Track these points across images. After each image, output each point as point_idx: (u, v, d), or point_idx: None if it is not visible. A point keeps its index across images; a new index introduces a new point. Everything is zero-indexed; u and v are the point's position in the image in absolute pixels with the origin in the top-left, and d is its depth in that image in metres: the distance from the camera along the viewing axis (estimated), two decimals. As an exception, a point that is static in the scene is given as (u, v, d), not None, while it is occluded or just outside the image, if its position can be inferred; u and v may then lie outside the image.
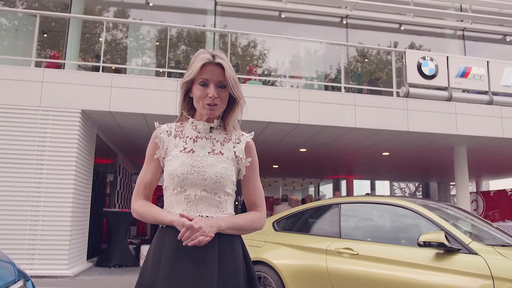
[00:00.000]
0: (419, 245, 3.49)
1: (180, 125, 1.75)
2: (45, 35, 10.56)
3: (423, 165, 13.68)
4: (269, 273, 4.42)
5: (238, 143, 1.73)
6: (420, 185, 22.25)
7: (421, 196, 22.02)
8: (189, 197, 1.62)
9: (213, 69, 1.63)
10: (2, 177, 7.05)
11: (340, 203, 4.47)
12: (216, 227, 1.57)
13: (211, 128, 1.72)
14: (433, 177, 17.98)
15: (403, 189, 28.12)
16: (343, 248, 4.00)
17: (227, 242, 1.62)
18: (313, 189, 28.18)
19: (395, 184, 26.98)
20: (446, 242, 3.40)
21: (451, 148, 10.24)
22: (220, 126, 1.75)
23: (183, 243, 1.51)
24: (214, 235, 1.54)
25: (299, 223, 4.80)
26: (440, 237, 3.43)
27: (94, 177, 8.85)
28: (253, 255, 4.63)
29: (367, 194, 14.39)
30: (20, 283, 2.64)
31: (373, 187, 22.02)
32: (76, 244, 7.55)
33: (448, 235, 3.54)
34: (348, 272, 3.86)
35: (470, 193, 15.52)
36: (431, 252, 3.52)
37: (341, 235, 4.21)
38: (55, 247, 7.00)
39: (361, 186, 24.00)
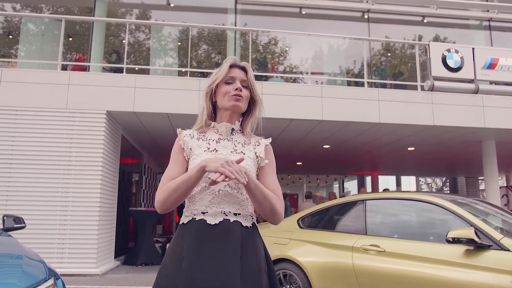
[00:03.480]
0: (448, 241, 3.42)
1: (202, 130, 1.84)
2: (70, 39, 10.79)
3: (450, 160, 13.38)
4: (294, 271, 4.40)
5: (258, 145, 1.83)
6: (447, 180, 21.77)
7: (448, 191, 21.56)
8: (213, 192, 1.67)
9: (238, 70, 1.81)
10: (32, 178, 7.25)
11: (366, 199, 4.42)
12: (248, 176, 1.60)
13: (232, 130, 1.82)
14: (461, 172, 17.57)
15: (430, 184, 27.58)
16: (370, 245, 3.95)
17: (251, 241, 1.68)
18: (337, 185, 27.94)
19: (421, 179, 26.49)
20: (476, 238, 3.32)
21: (479, 142, 9.98)
22: (240, 130, 1.85)
23: (217, 179, 1.52)
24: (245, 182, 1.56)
25: (324, 220, 4.76)
26: (469, 233, 3.34)
27: (120, 177, 9.01)
28: (279, 252, 4.63)
29: (385, 189, 14.20)
30: (51, 281, 2.70)
31: (398, 183, 21.66)
32: (104, 243, 7.71)
33: (478, 231, 3.45)
34: (375, 269, 3.81)
35: (500, 187, 15.10)
36: (461, 248, 3.43)
37: (367, 231, 4.15)
38: (83, 246, 7.16)
39: (386, 182, 23.63)
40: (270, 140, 1.88)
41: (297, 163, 15.10)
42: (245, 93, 1.78)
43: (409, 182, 25.47)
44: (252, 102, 1.85)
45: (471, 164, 13.83)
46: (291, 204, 15.67)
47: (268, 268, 1.71)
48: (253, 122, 1.85)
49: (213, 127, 1.82)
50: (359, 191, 16.33)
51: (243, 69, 1.82)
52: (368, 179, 19.11)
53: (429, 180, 27.30)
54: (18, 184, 7.22)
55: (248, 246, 1.65)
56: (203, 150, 1.74)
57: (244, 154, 1.76)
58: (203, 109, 1.84)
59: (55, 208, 7.24)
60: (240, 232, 1.65)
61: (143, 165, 11.69)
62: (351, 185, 25.15)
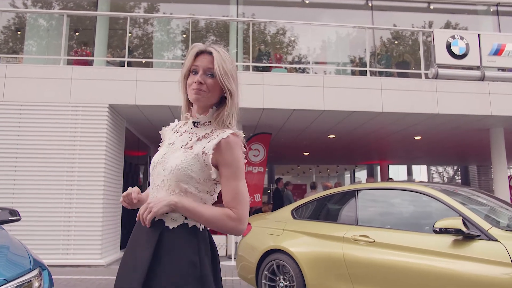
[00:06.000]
0: (435, 231, 3.38)
1: (185, 122, 1.73)
2: (77, 34, 10.88)
3: (459, 148, 13.19)
4: (287, 261, 4.42)
5: (213, 140, 1.57)
6: (459, 169, 21.49)
7: (460, 180, 21.28)
8: (153, 187, 1.62)
9: (204, 57, 1.61)
10: (37, 171, 7.40)
11: (357, 190, 4.40)
12: (167, 201, 1.48)
13: (194, 123, 1.66)
14: (472, 160, 17.33)
15: (441, 174, 27.21)
16: (360, 236, 3.94)
17: (170, 242, 1.52)
18: (348, 175, 27.84)
19: (433, 168, 26.16)
20: (463, 228, 3.27)
21: (487, 130, 9.81)
22: (210, 122, 1.65)
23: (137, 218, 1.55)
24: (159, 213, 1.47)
25: (317, 211, 4.76)
26: (457, 223, 3.30)
27: (127, 169, 9.10)
28: (272, 243, 4.65)
29: (389, 179, 14.08)
30: (35, 271, 2.77)
31: (409, 172, 21.47)
32: (109, 234, 7.83)
33: (466, 220, 3.41)
34: (364, 259, 3.80)
35: (510, 176, 14.84)
36: (449, 238, 3.40)
37: (358, 222, 4.14)
38: (88, 237, 7.30)
39: (397, 171, 23.44)
40: (229, 133, 1.57)
41: (304, 153, 15.06)
42: (209, 83, 1.58)
43: (420, 171, 25.19)
44: (230, 95, 1.61)
45: (481, 153, 13.60)
46: (299, 195, 15.66)
47: (201, 276, 1.49)
48: (224, 115, 1.61)
49: (187, 118, 1.72)
50: (366, 181, 16.24)
51: (211, 54, 1.61)
52: (379, 169, 18.98)
53: (440, 169, 26.92)
54: (24, 177, 7.37)
55: (166, 248, 1.51)
56: (164, 144, 1.71)
57: (191, 149, 1.59)
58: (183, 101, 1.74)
59: (60, 201, 7.37)
60: (159, 232, 1.52)
61: (148, 158, 11.80)
62: (362, 175, 25.03)
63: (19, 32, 10.85)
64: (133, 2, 11.53)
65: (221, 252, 9.22)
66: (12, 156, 7.43)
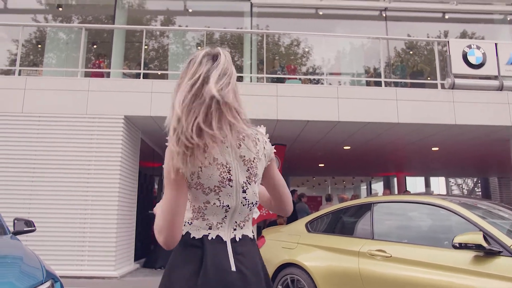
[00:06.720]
0: (454, 247, 3.27)
1: None
2: (94, 46, 11.09)
3: (478, 159, 12.92)
4: (301, 276, 4.34)
5: None
6: (479, 181, 21.03)
7: (480, 193, 20.82)
8: None
9: None
10: (53, 182, 7.46)
11: (372, 203, 4.31)
12: None
13: None
14: (492, 172, 16.94)
15: (461, 185, 26.65)
16: (376, 250, 3.85)
17: None
18: (365, 187, 27.55)
19: (452, 180, 25.66)
20: (484, 244, 3.17)
21: (507, 140, 9.58)
22: None
23: None
24: None
25: (332, 224, 4.68)
26: (477, 238, 3.19)
27: (141, 180, 9.11)
28: (287, 257, 4.58)
29: (405, 192, 13.86)
30: (48, 283, 2.77)
31: (427, 184, 21.10)
32: (123, 246, 7.84)
33: (487, 235, 3.29)
34: (381, 275, 3.70)
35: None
36: (469, 254, 3.29)
37: (374, 236, 4.04)
38: (102, 249, 7.30)
39: (414, 183, 23.07)
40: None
41: (320, 165, 14.94)
42: None
43: (438, 183, 24.72)
44: None
45: (502, 164, 13.29)
46: (315, 207, 15.50)
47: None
48: None
49: None
50: (383, 193, 16.00)
51: None
52: (396, 181, 18.69)
53: (459, 181, 26.38)
54: (40, 188, 7.44)
55: None
56: None
57: None
58: None
59: (75, 211, 7.41)
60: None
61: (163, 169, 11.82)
62: (379, 187, 24.72)
63: (39, 46, 11.11)
64: (149, 16, 11.70)
65: (235, 264, 9.13)
66: (30, 167, 7.52)
